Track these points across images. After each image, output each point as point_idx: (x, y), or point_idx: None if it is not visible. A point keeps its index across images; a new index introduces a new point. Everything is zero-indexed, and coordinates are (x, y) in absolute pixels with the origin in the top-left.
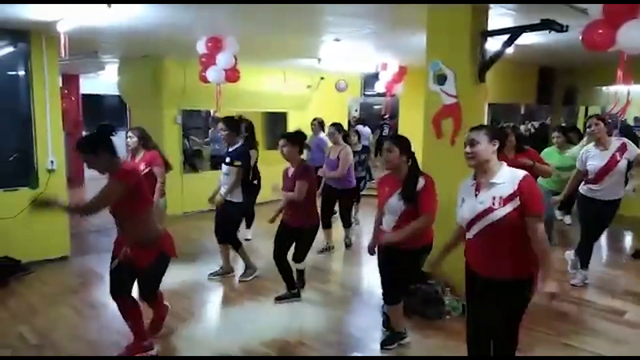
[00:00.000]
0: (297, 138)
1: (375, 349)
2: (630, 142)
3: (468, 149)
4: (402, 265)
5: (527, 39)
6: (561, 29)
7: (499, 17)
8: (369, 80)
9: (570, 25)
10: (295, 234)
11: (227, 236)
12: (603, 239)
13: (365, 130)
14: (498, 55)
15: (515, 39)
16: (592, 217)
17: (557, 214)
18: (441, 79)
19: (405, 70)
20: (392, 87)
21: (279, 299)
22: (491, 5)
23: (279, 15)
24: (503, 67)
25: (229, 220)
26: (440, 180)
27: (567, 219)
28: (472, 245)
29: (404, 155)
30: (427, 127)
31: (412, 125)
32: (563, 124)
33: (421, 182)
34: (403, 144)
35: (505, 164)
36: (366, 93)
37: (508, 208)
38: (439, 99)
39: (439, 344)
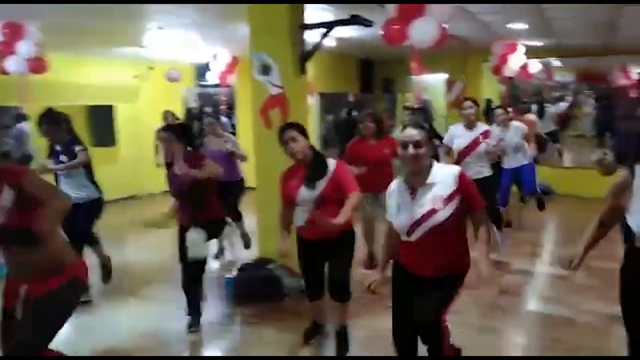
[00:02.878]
0: (182, 130)
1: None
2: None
3: (412, 151)
4: (348, 251)
5: (345, 32)
6: (369, 24)
7: (319, 12)
8: (203, 70)
9: (376, 20)
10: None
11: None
12: None
13: (226, 120)
14: (316, 47)
15: (329, 32)
16: None
17: None
18: (266, 70)
19: (237, 60)
20: (226, 78)
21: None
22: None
23: None
24: (329, 59)
25: (85, 219)
26: (272, 170)
27: None
28: (412, 248)
29: (307, 141)
30: (257, 118)
31: (249, 115)
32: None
33: (332, 163)
34: (302, 129)
35: (435, 162)
36: (201, 83)
37: (450, 208)
38: (265, 90)
39: (284, 326)
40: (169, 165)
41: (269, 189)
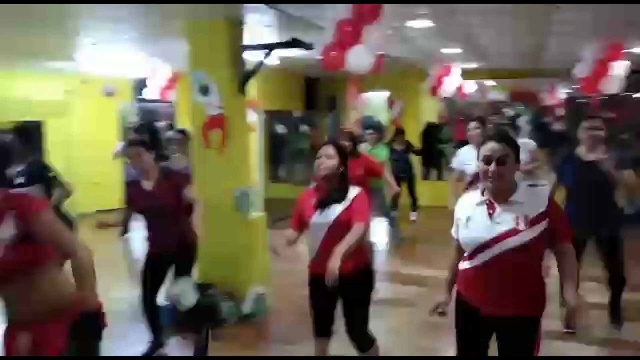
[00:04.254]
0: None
1: None
2: None
3: (494, 168)
4: (363, 295)
5: (289, 51)
6: (309, 47)
7: (261, 31)
8: (142, 85)
9: (317, 42)
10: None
11: None
12: None
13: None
14: (257, 68)
15: (269, 54)
16: None
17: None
18: (205, 90)
19: (178, 76)
20: (166, 93)
21: None
22: (247, 20)
23: (21, 11)
24: (274, 76)
25: None
26: (211, 189)
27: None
28: (479, 276)
29: (340, 162)
30: (196, 137)
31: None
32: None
33: (354, 190)
34: (342, 149)
35: (521, 179)
36: (140, 98)
37: (535, 231)
38: (204, 110)
39: (221, 354)
40: (131, 182)
41: (209, 211)
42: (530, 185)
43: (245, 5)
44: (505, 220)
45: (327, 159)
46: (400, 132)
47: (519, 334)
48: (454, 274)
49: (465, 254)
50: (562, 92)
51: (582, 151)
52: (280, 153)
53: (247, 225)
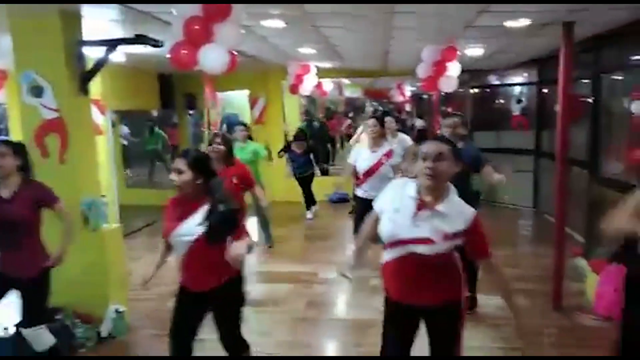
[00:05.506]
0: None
1: None
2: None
3: (429, 164)
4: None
5: (136, 48)
6: (156, 44)
7: (103, 26)
8: None
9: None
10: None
11: None
12: None
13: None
14: (99, 65)
15: (112, 51)
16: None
17: None
18: (38, 91)
19: (6, 74)
20: None
21: None
22: (83, 13)
23: None
24: (123, 74)
25: None
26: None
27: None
28: (397, 268)
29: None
30: (30, 145)
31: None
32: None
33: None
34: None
35: (452, 187)
36: None
37: (447, 245)
38: (38, 114)
39: None
40: None
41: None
42: (460, 201)
43: None
44: (425, 228)
45: (179, 175)
46: (301, 137)
47: (444, 320)
48: (365, 243)
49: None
50: (408, 90)
51: None
52: (135, 156)
53: (99, 239)
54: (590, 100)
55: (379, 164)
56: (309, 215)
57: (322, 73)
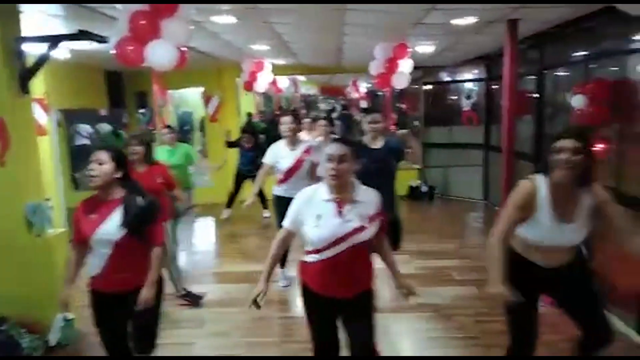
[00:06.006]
0: None
1: None
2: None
3: (335, 165)
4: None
5: (80, 44)
6: (101, 40)
7: (45, 21)
8: None
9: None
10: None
11: None
12: None
13: None
14: (40, 63)
15: (54, 47)
16: None
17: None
18: None
19: None
20: None
21: None
22: (22, 8)
23: None
24: (68, 71)
25: None
26: None
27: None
28: (326, 266)
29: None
30: None
31: None
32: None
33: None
34: None
35: (356, 180)
36: None
37: (374, 227)
38: None
39: None
40: None
41: None
42: (366, 188)
43: None
44: (354, 218)
45: (99, 165)
46: (249, 130)
47: (363, 307)
48: (274, 264)
49: (309, 249)
50: (363, 87)
51: (367, 140)
52: (83, 157)
53: (44, 245)
54: (535, 95)
55: (300, 161)
56: (266, 214)
57: (277, 70)
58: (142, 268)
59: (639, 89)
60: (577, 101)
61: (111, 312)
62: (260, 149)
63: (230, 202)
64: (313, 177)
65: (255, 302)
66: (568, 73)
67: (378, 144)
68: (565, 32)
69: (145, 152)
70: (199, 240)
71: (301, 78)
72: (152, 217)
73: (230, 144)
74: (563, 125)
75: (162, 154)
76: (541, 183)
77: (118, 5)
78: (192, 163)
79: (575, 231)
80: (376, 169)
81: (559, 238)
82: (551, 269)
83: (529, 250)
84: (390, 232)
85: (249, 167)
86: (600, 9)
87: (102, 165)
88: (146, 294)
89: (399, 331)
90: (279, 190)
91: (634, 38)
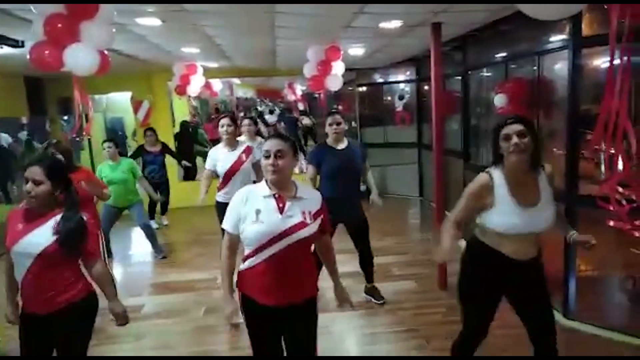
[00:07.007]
0: None
1: None
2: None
3: (272, 161)
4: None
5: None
6: (16, 44)
7: None
8: None
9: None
10: None
11: None
12: None
13: None
14: None
15: None
16: None
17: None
18: None
19: None
20: None
21: None
22: None
23: None
24: None
25: None
26: None
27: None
28: (266, 268)
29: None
30: None
31: None
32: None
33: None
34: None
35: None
36: None
37: (316, 224)
38: None
39: None
40: None
41: None
42: (307, 187)
43: None
44: (295, 214)
45: (36, 186)
46: (151, 132)
47: (308, 315)
48: (232, 272)
49: (247, 251)
50: (300, 89)
51: (330, 141)
52: (5, 168)
53: None
54: (461, 95)
55: (239, 163)
56: (165, 221)
57: (210, 73)
58: (64, 287)
59: (552, 86)
60: (499, 100)
61: (32, 336)
62: (171, 152)
63: (164, 209)
64: (259, 177)
65: (234, 325)
66: (490, 74)
67: (342, 145)
68: (485, 35)
69: (66, 160)
70: (134, 251)
71: (236, 81)
72: (85, 233)
73: (134, 155)
74: (488, 124)
75: (105, 170)
76: (496, 174)
77: (32, 7)
78: (136, 176)
79: (542, 213)
80: (344, 169)
81: (527, 223)
82: (518, 263)
83: (501, 241)
84: (361, 229)
85: (161, 172)
86: (514, 12)
87: (39, 186)
88: (116, 308)
89: (342, 330)
90: (219, 197)
91: (547, 39)
